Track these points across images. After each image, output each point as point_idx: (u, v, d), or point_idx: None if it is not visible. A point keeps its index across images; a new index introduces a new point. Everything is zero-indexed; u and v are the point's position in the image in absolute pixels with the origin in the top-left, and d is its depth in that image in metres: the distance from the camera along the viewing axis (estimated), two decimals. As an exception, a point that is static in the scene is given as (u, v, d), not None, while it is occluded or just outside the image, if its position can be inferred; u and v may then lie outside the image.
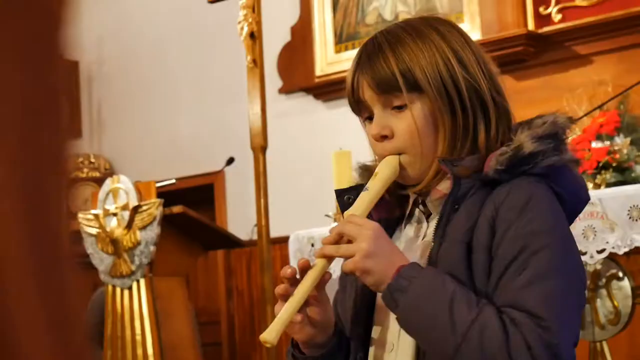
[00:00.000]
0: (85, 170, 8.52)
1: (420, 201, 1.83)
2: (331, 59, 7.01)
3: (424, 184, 1.77)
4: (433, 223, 1.78)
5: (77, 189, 8.12)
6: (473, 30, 6.19)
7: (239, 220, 7.52)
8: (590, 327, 3.89)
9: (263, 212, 5.17)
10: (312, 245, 4.54)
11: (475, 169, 1.71)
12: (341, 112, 6.82)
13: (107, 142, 8.74)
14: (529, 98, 6.16)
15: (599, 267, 3.86)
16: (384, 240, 1.69)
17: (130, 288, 5.73)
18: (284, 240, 6.46)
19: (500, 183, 1.70)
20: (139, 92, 8.47)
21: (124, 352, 5.69)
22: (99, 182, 8.01)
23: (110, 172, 8.41)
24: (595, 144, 4.56)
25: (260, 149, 5.20)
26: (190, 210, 5.65)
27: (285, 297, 1.70)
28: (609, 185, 4.25)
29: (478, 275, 1.66)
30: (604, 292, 3.90)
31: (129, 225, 5.68)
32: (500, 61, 6.21)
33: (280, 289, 1.71)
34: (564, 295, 1.61)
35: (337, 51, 7.02)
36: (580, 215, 3.59)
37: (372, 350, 1.81)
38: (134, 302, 5.69)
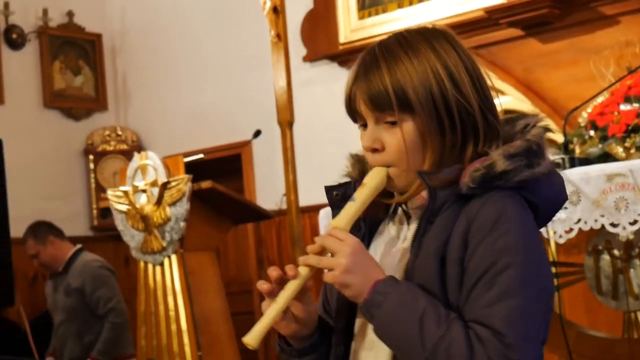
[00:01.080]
0: (113, 143, 8.54)
1: (400, 201, 1.89)
2: (355, 26, 6.97)
3: (407, 195, 1.83)
4: (413, 227, 1.84)
5: (105, 162, 8.18)
6: (498, -7, 6.14)
7: (267, 189, 7.53)
8: (623, 297, 3.88)
9: (292, 186, 5.17)
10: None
11: (451, 182, 1.77)
12: (366, 79, 6.80)
13: (133, 114, 8.74)
14: (555, 60, 6.11)
15: (631, 237, 3.83)
16: (362, 255, 1.75)
17: (162, 264, 5.76)
18: (313, 210, 6.48)
19: (475, 196, 1.75)
20: (164, 64, 8.46)
21: (158, 327, 5.73)
22: (127, 154, 8.06)
23: (137, 145, 8.44)
24: (623, 107, 4.50)
25: (287, 123, 5.20)
26: (219, 185, 5.66)
27: (270, 294, 1.79)
28: (638, 148, 4.21)
29: (451, 288, 1.72)
30: (637, 262, 3.88)
31: (159, 202, 5.70)
32: (526, 24, 6.19)
33: (264, 287, 1.79)
34: (528, 311, 1.67)
35: (361, 17, 6.98)
36: (612, 187, 3.60)
37: (353, 345, 1.89)
38: (166, 278, 5.73)
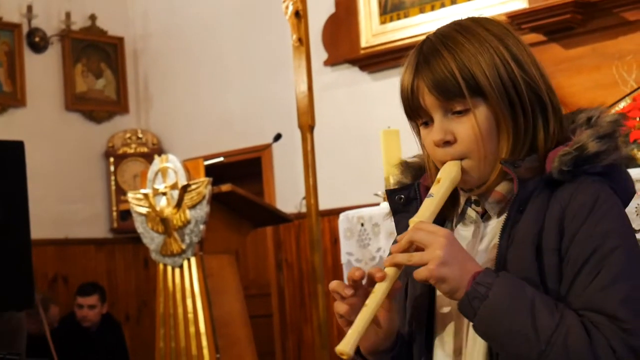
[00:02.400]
0: (133, 146, 8.56)
1: (472, 200, 1.82)
2: (376, 30, 6.96)
3: (486, 187, 1.76)
4: (492, 224, 1.77)
5: (126, 165, 8.22)
6: (520, -1, 6.12)
7: (287, 193, 7.53)
8: None
9: (312, 190, 5.17)
10: (362, 224, 4.53)
11: (537, 170, 1.70)
12: (387, 84, 6.79)
13: (154, 117, 8.76)
14: (578, 66, 6.08)
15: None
16: (457, 247, 1.66)
17: (181, 266, 5.78)
18: (333, 213, 6.48)
19: (561, 183, 1.68)
20: (185, 67, 8.47)
21: (177, 330, 5.74)
22: (147, 157, 8.08)
23: (158, 148, 8.46)
24: (646, 113, 4.49)
25: (307, 127, 5.20)
26: (238, 188, 5.67)
27: (340, 295, 1.71)
28: (660, 155, 4.18)
29: (549, 277, 1.64)
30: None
31: (179, 205, 5.71)
32: (548, 29, 6.16)
33: (347, 292, 1.70)
34: None
35: (382, 22, 6.96)
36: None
37: (437, 355, 1.79)
38: (185, 280, 5.74)
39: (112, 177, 8.51)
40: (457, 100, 1.71)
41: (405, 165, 1.93)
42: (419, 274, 1.64)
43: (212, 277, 5.75)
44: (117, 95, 8.77)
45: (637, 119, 4.37)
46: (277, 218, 6.20)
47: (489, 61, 1.70)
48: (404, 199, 1.85)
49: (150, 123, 8.76)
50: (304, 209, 6.16)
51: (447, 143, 1.73)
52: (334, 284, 1.73)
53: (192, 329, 5.68)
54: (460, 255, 1.65)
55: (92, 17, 8.63)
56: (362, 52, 7.02)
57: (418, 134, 1.84)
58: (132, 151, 8.56)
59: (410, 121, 1.83)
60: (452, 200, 1.80)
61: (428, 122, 1.76)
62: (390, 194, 1.87)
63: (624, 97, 4.33)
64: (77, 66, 8.52)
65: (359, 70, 7.13)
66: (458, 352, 1.75)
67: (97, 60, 8.68)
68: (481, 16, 1.82)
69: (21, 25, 8.09)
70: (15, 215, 3.66)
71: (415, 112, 1.77)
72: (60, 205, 8.07)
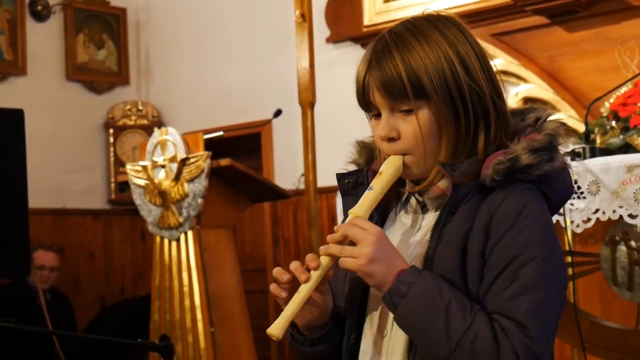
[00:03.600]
0: (133, 117, 8.56)
1: (416, 191, 1.89)
2: (379, 9, 6.94)
3: (425, 184, 1.84)
4: (429, 217, 1.86)
5: (125, 137, 8.22)
6: (524, -19, 6.10)
7: (286, 169, 7.52)
8: (639, 289, 3.87)
9: (311, 167, 5.17)
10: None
11: (472, 174, 1.78)
12: (389, 63, 6.78)
13: (154, 89, 8.75)
14: (581, 50, 6.07)
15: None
16: (386, 245, 1.76)
17: (178, 240, 5.78)
18: (331, 191, 6.48)
19: (494, 188, 1.76)
20: (188, 40, 8.45)
21: (172, 303, 5.76)
22: (147, 129, 8.08)
23: (158, 120, 8.45)
24: (646, 98, 4.48)
25: (308, 104, 5.19)
26: (237, 163, 5.66)
27: (288, 285, 1.82)
28: (660, 141, 4.18)
29: (471, 279, 1.74)
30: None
31: (177, 178, 5.71)
32: (552, 12, 6.13)
33: (285, 278, 1.82)
34: (550, 305, 1.70)
35: (386, 0, 6.94)
36: (632, 178, 3.58)
37: (366, 332, 1.89)
38: (182, 254, 5.75)
39: (111, 149, 8.51)
40: (403, 101, 1.78)
41: (362, 145, 2.02)
42: (345, 263, 1.75)
43: (209, 251, 5.75)
44: (118, 67, 8.75)
45: (638, 104, 4.37)
46: (275, 194, 6.20)
47: (436, 65, 1.77)
48: (352, 182, 1.93)
49: (150, 95, 8.74)
50: (302, 186, 6.17)
51: (391, 139, 1.82)
52: (275, 271, 1.85)
53: (187, 302, 5.69)
54: (388, 253, 1.76)
55: (95, -13, 8.62)
56: (364, 30, 7.00)
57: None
58: (131, 123, 8.55)
59: (365, 112, 1.91)
60: (398, 186, 1.88)
61: (379, 114, 1.84)
62: (339, 178, 1.96)
63: (625, 82, 4.32)
64: (79, 36, 8.50)
65: (361, 48, 7.10)
66: (384, 332, 1.86)
67: (99, 31, 8.66)
68: (437, 14, 1.87)
69: (24, -6, 8.07)
70: (13, 184, 3.66)
71: (366, 106, 1.86)
72: (59, 175, 8.07)
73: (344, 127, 7.13)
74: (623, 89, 4.32)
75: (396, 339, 1.82)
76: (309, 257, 1.80)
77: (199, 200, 5.65)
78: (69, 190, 8.18)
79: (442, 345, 1.67)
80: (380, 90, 1.79)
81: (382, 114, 1.82)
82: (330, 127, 6.99)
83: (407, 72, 1.76)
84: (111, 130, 8.53)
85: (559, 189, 1.84)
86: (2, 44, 7.89)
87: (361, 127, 6.76)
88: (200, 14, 8.33)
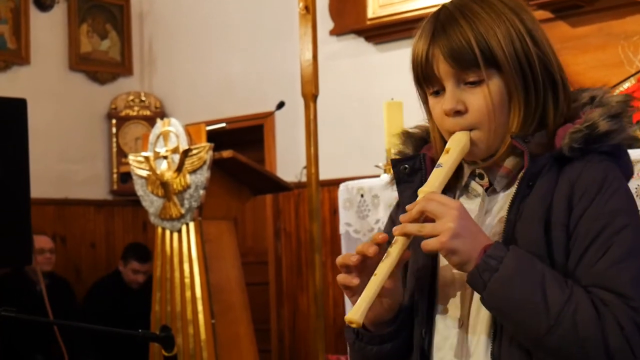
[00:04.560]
0: (136, 108, 8.55)
1: (476, 174, 1.82)
2: (383, 2, 6.92)
3: (495, 159, 1.76)
4: (498, 198, 1.78)
5: (128, 127, 8.22)
6: (529, -25, 6.08)
7: (288, 161, 7.52)
8: None
9: (313, 159, 5.16)
10: (362, 196, 4.53)
11: (546, 145, 1.71)
12: (392, 56, 6.77)
13: (157, 80, 8.74)
14: (584, 45, 6.06)
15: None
16: (469, 219, 1.66)
17: (179, 231, 5.78)
18: (333, 183, 6.48)
19: (570, 160, 1.69)
20: (191, 31, 8.44)
21: (173, 294, 5.76)
22: (150, 120, 8.08)
23: (160, 111, 8.45)
24: (650, 93, 4.48)
25: (311, 96, 5.17)
26: (239, 155, 5.66)
27: (347, 268, 1.72)
28: (663, 137, 4.17)
29: (557, 253, 1.64)
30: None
31: (179, 169, 5.71)
32: (556, 7, 6.11)
33: (354, 259, 1.71)
34: None
35: (390, -7, 6.93)
36: (635, 174, 3.57)
37: (438, 325, 1.79)
38: (183, 245, 5.75)
39: (114, 139, 8.51)
40: (472, 70, 1.71)
41: (406, 135, 1.93)
42: (429, 244, 1.64)
43: (210, 243, 5.75)
44: (122, 57, 8.74)
45: (642, 100, 4.37)
46: (277, 186, 6.19)
47: (505, 33, 1.71)
48: (408, 168, 1.85)
49: (153, 86, 8.74)
50: (304, 178, 6.16)
51: (457, 113, 1.73)
52: (340, 258, 1.74)
53: (188, 294, 5.69)
54: (472, 228, 1.65)
55: (99, -22, 8.61)
56: (368, 22, 6.99)
57: (425, 102, 1.84)
58: (134, 114, 8.54)
59: (420, 90, 1.82)
60: (456, 173, 1.79)
61: (439, 91, 1.76)
62: (395, 164, 1.87)
63: (628, 78, 4.32)
64: (83, 26, 8.49)
65: (364, 41, 7.10)
66: (460, 323, 1.76)
67: (103, 21, 8.65)
68: None
69: (27, -17, 8.07)
70: (15, 174, 3.66)
71: (428, 80, 1.77)
72: (61, 165, 8.08)
73: (346, 120, 7.16)
74: (626, 84, 4.33)
75: (475, 328, 1.73)
76: (381, 237, 1.70)
77: (201, 192, 5.64)
78: (71, 181, 8.18)
79: (541, 320, 1.56)
80: (447, 59, 1.70)
81: (446, 87, 1.73)
82: (332, 120, 6.99)
83: (476, 39, 1.69)
84: (114, 121, 8.53)
85: (626, 162, 1.77)
86: (6, 33, 7.89)
87: (363, 119, 6.76)
88: (204, 5, 8.33)
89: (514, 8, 1.75)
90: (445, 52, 1.70)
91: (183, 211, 5.73)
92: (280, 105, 6.81)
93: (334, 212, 6.72)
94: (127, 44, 8.77)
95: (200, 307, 5.62)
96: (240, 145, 6.73)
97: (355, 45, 7.16)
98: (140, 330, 3.03)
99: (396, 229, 1.67)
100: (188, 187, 5.69)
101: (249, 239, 8.31)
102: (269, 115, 7.58)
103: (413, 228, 1.65)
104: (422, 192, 1.70)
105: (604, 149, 1.69)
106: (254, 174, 5.87)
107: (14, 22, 7.93)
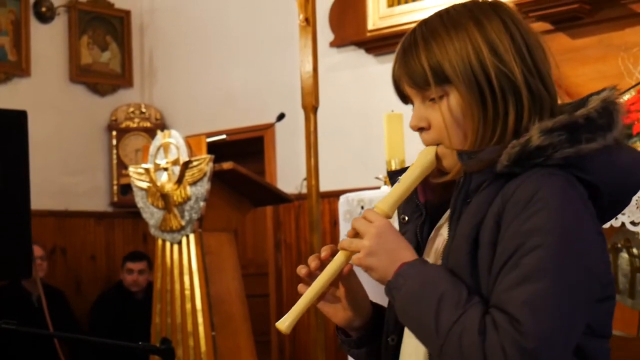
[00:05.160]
0: (136, 120, 8.56)
1: (441, 182, 1.84)
2: (383, 13, 6.94)
3: (451, 176, 1.77)
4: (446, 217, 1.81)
5: (128, 139, 8.22)
6: (529, -13, 6.09)
7: (288, 173, 7.53)
8: (640, 297, 3.87)
9: (313, 171, 5.16)
10: (362, 207, 4.54)
11: (494, 161, 1.67)
12: (392, 68, 6.78)
13: (158, 92, 8.75)
14: (584, 56, 6.07)
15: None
16: (389, 237, 1.70)
17: (179, 243, 5.78)
18: (333, 195, 6.49)
19: (515, 175, 1.65)
20: (191, 43, 8.46)
21: (173, 306, 5.75)
22: (150, 132, 8.08)
23: (161, 123, 8.46)
24: (651, 105, 4.48)
25: (311, 108, 5.18)
26: (240, 167, 5.66)
27: (309, 277, 1.80)
28: (664, 149, 4.17)
29: (482, 272, 1.63)
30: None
31: (180, 181, 5.71)
32: (556, 19, 6.13)
33: (303, 272, 1.80)
34: (557, 297, 1.54)
35: (390, 5, 6.94)
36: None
37: (407, 332, 1.81)
38: (184, 257, 5.75)
39: (114, 151, 8.51)
40: (427, 89, 1.75)
41: None
42: (353, 260, 1.72)
43: (211, 255, 5.75)
44: (122, 69, 8.76)
45: (642, 111, 4.37)
46: (278, 198, 6.19)
47: (460, 50, 1.72)
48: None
49: (153, 98, 8.75)
50: (304, 190, 6.16)
51: (421, 129, 1.79)
52: (298, 268, 1.83)
53: (188, 306, 5.69)
54: (390, 246, 1.70)
55: (99, -10, 8.63)
56: (368, 34, 7.00)
57: None
58: (134, 125, 8.55)
59: (406, 105, 1.88)
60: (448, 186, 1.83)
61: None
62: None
63: (628, 89, 4.32)
64: (83, 38, 8.50)
65: (364, 53, 7.11)
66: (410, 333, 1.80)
67: (103, 33, 8.66)
68: (479, 0, 1.82)
69: (28, -5, 8.08)
70: (16, 185, 3.66)
71: (403, 98, 1.84)
72: (61, 177, 8.08)
73: (347, 132, 7.16)
74: (626, 96, 4.32)
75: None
76: (323, 249, 1.78)
77: (201, 204, 5.64)
78: (71, 192, 8.18)
79: (432, 339, 1.59)
80: (406, 80, 1.77)
81: (414, 105, 1.80)
82: (333, 132, 6.99)
83: (428, 59, 1.73)
84: (114, 133, 8.53)
85: (608, 175, 1.68)
86: (6, 45, 7.90)
87: (364, 131, 6.76)
88: (204, 17, 8.34)
89: (481, 21, 1.75)
90: (403, 73, 1.78)
91: (183, 223, 5.73)
92: (281, 116, 6.82)
93: (335, 223, 6.72)
94: (127, 55, 8.78)
95: (200, 319, 5.61)
96: (240, 156, 6.73)
97: (356, 56, 7.17)
98: (140, 343, 3.03)
99: (339, 243, 1.76)
100: (188, 198, 5.69)
101: (250, 250, 8.31)
102: (270, 126, 7.59)
103: (344, 243, 1.73)
104: (375, 207, 1.76)
105: (550, 162, 1.64)
106: (254, 186, 5.87)
107: (14, 33, 7.94)
